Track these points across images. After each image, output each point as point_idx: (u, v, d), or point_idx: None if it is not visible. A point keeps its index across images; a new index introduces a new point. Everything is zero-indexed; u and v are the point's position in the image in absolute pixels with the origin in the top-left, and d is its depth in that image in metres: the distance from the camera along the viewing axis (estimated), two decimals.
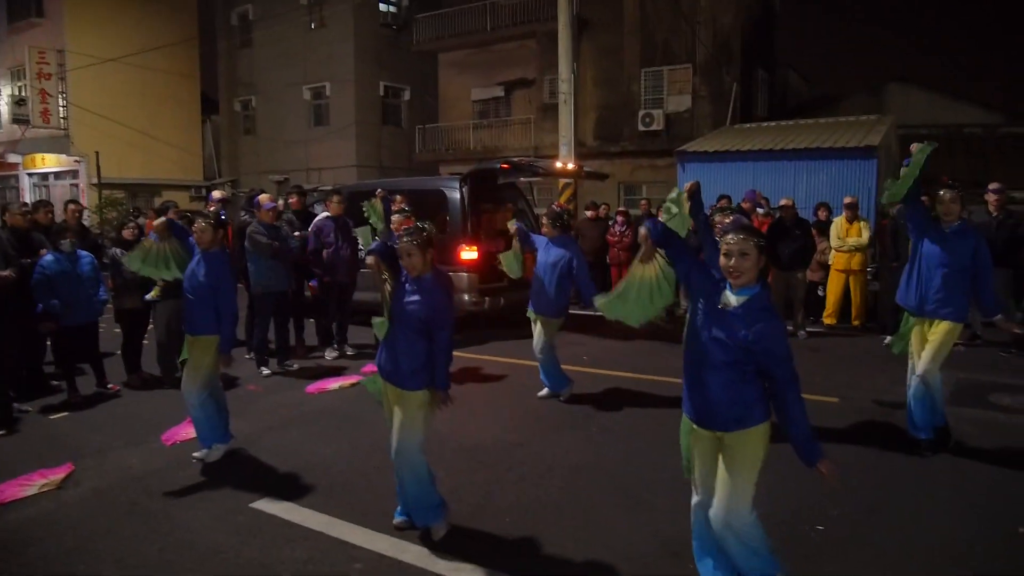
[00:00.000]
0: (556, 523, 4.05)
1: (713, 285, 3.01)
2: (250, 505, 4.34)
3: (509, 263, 6.79)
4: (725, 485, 2.98)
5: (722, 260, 2.93)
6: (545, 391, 6.59)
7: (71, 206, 7.78)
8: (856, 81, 68.16)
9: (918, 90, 20.63)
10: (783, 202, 9.70)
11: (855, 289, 9.79)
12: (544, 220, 6.64)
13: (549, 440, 5.45)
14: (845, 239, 9.63)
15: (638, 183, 19.04)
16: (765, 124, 16.58)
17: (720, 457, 3.02)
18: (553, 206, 6.87)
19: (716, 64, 18.01)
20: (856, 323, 9.80)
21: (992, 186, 8.35)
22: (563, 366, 6.62)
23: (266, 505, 4.33)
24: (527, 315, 6.66)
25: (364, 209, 6.24)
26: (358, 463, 5.02)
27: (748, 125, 16.70)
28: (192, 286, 5.08)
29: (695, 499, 3.22)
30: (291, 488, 4.60)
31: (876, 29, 78.90)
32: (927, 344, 4.95)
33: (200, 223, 5.10)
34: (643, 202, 13.15)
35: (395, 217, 6.33)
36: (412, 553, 3.70)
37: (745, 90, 18.47)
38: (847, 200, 9.84)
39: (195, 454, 5.14)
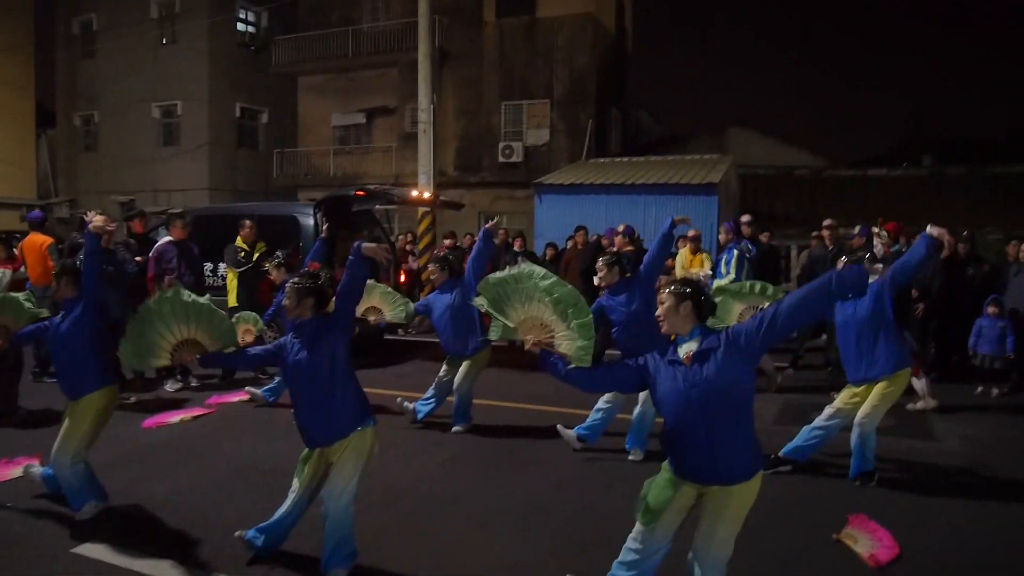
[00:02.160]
0: (401, 552, 4.03)
1: (658, 351, 3.14)
2: (71, 551, 4.03)
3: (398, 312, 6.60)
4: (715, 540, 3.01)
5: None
6: (459, 427, 6.45)
7: None
8: (702, 123, 73.08)
9: (756, 134, 22.34)
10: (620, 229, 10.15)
11: None
12: (431, 267, 6.62)
13: (398, 468, 5.40)
14: (688, 269, 10.21)
15: (497, 212, 19.38)
16: (618, 160, 17.40)
17: (708, 511, 3.04)
18: (437, 252, 6.78)
19: (573, 101, 18.75)
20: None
21: (826, 222, 9.20)
22: (412, 394, 6.62)
23: (89, 549, 4.03)
24: (447, 362, 6.57)
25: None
26: (196, 500, 4.77)
27: (602, 160, 17.47)
28: (62, 346, 4.45)
29: (638, 548, 3.13)
30: (120, 530, 4.30)
31: (719, 76, 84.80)
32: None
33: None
34: (502, 231, 13.37)
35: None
36: None
37: (600, 127, 19.31)
38: (691, 233, 10.44)
39: (85, 508, 4.46)
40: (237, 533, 3.84)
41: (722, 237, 8.47)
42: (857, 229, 9.00)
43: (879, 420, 5.06)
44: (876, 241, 6.98)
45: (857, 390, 5.08)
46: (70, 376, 4.46)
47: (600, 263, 5.65)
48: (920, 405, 7.13)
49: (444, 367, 6.59)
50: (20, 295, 5.01)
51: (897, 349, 5.01)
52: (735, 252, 8.25)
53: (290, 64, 22.19)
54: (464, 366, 6.39)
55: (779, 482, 4.99)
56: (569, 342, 3.27)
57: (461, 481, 5.19)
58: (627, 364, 3.22)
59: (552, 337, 3.31)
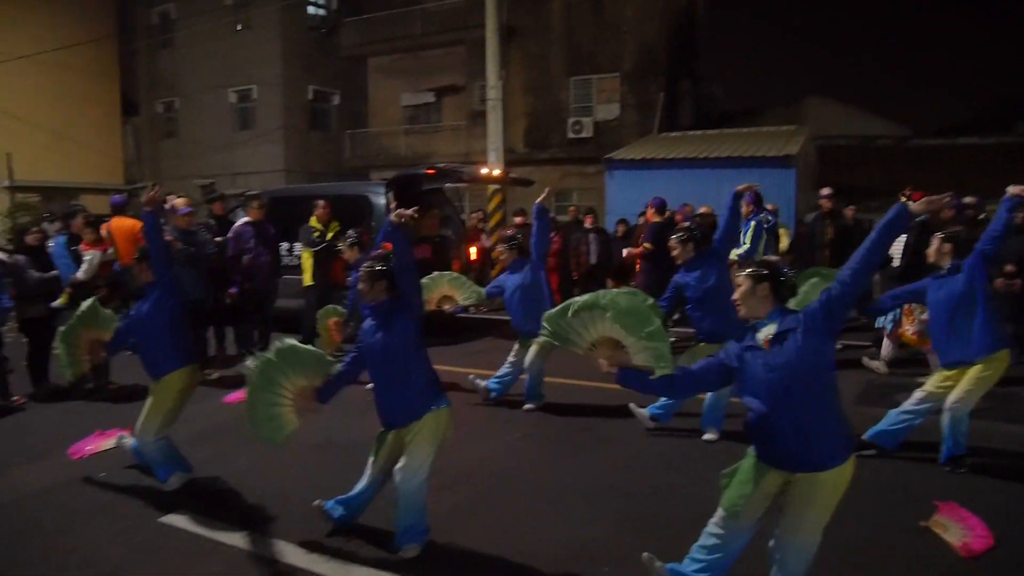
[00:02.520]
0: (475, 530, 4.05)
1: (735, 339, 3.06)
2: (157, 520, 4.20)
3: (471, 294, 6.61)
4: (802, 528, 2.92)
5: None
6: (530, 405, 6.46)
7: None
8: (777, 93, 70.69)
9: (834, 103, 21.50)
10: (702, 210, 9.94)
11: None
12: (499, 248, 6.60)
13: (469, 447, 5.43)
14: None
15: (567, 189, 19.23)
16: (690, 133, 17.00)
17: (795, 498, 2.93)
18: (504, 232, 6.77)
19: (642, 74, 18.37)
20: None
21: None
22: (484, 371, 6.62)
23: (174, 520, 4.20)
24: (519, 342, 6.54)
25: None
26: (273, 474, 4.91)
27: (674, 134, 17.09)
28: (143, 328, 4.62)
29: (720, 533, 3.05)
30: (202, 501, 4.46)
31: (795, 44, 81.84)
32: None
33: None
34: (571, 208, 13.27)
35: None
36: (327, 565, 3.64)
37: (671, 100, 18.88)
38: (768, 207, 10.13)
39: (171, 480, 4.68)
40: (316, 502, 3.92)
41: (744, 209, 8.32)
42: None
43: (973, 405, 4.79)
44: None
45: (950, 373, 4.79)
46: (151, 356, 4.62)
47: (673, 240, 5.51)
48: (874, 364, 7.09)
49: (516, 347, 6.58)
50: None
51: (994, 328, 4.69)
52: (752, 223, 8.06)
53: (359, 46, 22.43)
54: (535, 345, 6.37)
55: (862, 466, 4.75)
56: (644, 353, 3.15)
57: (532, 459, 5.19)
58: (707, 363, 3.14)
59: (626, 351, 3.20)
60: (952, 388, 4.73)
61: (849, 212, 9.72)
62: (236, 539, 3.93)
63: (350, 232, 7.14)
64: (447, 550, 3.81)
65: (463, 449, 5.36)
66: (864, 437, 5.02)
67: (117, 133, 26.04)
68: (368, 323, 3.85)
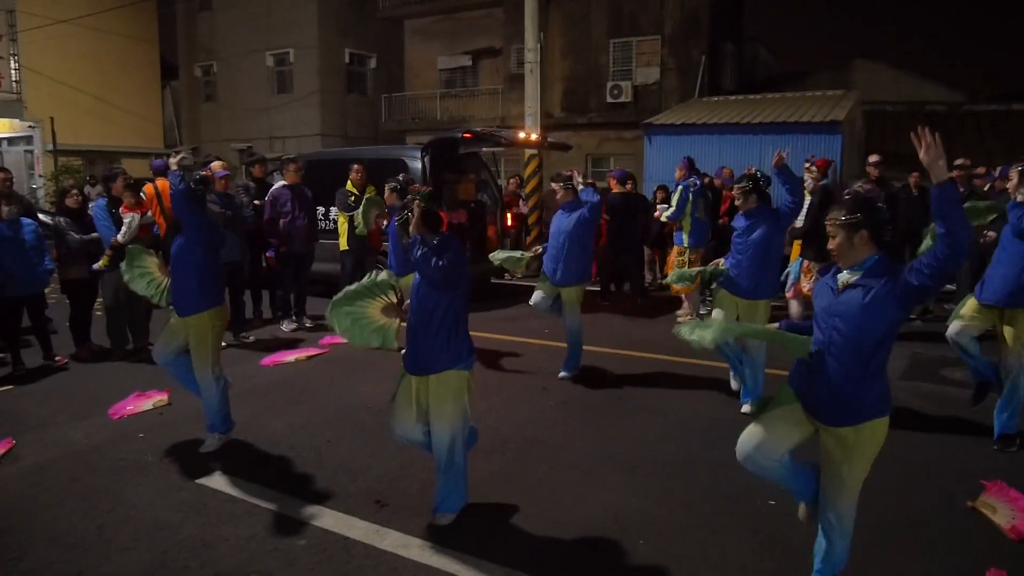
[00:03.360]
0: (507, 497, 4.01)
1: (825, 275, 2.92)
2: (196, 481, 4.24)
3: (513, 262, 6.41)
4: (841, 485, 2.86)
5: None
6: (565, 374, 6.35)
7: (0, 174, 7.40)
8: (823, 57, 68.66)
9: (884, 66, 20.74)
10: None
11: None
12: (555, 187, 6.31)
13: (504, 414, 5.40)
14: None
15: (605, 155, 18.95)
16: (732, 98, 16.54)
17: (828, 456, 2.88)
18: (562, 171, 6.54)
19: (684, 36, 17.90)
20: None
21: (957, 162, 8.45)
22: (523, 339, 6.55)
23: (212, 481, 4.23)
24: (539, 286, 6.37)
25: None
26: (310, 437, 4.93)
27: (716, 98, 16.66)
28: (173, 269, 4.70)
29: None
30: (239, 463, 4.49)
31: (843, 5, 79.27)
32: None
33: None
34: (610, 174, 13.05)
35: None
36: (358, 529, 3.64)
37: (713, 63, 18.39)
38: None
39: (209, 441, 4.74)
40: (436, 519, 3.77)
41: (677, 173, 8.47)
42: (998, 171, 8.24)
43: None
44: (806, 176, 7.01)
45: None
46: (176, 294, 4.68)
47: (736, 190, 5.41)
48: (681, 313, 7.11)
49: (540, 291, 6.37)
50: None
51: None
52: (679, 187, 8.21)
53: (395, 7, 22.18)
54: (567, 305, 6.23)
55: (903, 441, 4.67)
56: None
57: (568, 428, 5.13)
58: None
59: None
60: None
61: (913, 179, 9.36)
62: (272, 502, 3.94)
63: (398, 177, 6.89)
64: (481, 516, 3.78)
65: (499, 416, 5.33)
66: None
67: (156, 97, 26.27)
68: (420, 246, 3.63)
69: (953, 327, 4.90)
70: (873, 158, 8.78)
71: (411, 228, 3.65)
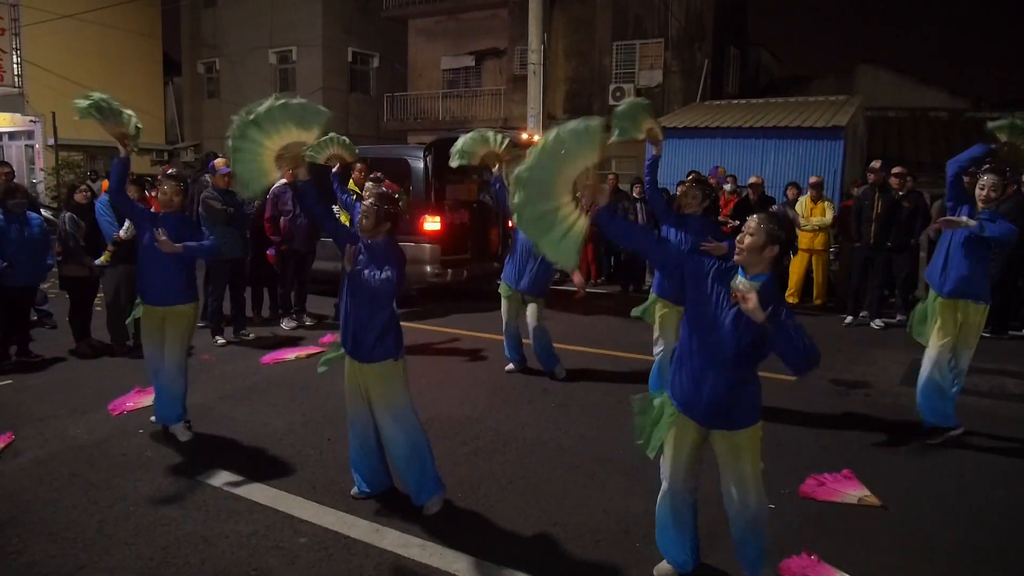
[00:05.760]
0: (507, 498, 4.01)
1: (712, 269, 2.91)
2: (196, 477, 4.23)
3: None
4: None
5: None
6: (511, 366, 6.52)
7: (1, 168, 7.38)
8: (826, 62, 68.68)
9: (887, 72, 20.77)
10: (752, 180, 9.72)
11: (817, 269, 9.84)
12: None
13: (505, 414, 5.40)
14: (809, 218, 9.65)
15: (607, 157, 18.94)
16: (735, 101, 16.55)
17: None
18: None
19: (688, 39, 17.92)
20: (817, 302, 9.87)
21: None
22: (524, 341, 6.54)
23: (213, 478, 4.23)
24: (501, 291, 6.46)
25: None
26: (310, 435, 4.92)
27: (718, 102, 16.67)
28: (156, 254, 4.71)
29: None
30: (240, 460, 4.49)
31: (847, 11, 79.38)
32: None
33: (171, 185, 4.85)
34: (611, 176, 13.04)
35: (368, 184, 6.32)
36: (359, 528, 3.63)
37: (716, 67, 18.41)
38: (813, 180, 9.86)
39: (176, 429, 4.84)
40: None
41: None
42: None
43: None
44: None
45: None
46: (163, 287, 4.80)
47: (685, 186, 5.32)
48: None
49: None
50: None
51: None
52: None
53: (400, 7, 22.19)
54: (533, 312, 6.29)
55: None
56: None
57: (569, 429, 5.13)
58: (651, 232, 3.10)
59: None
60: None
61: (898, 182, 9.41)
62: (273, 500, 3.94)
63: (377, 174, 6.88)
64: (480, 517, 3.78)
65: (499, 416, 5.33)
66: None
67: (159, 93, 26.22)
68: (361, 249, 3.77)
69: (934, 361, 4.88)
70: (875, 164, 8.80)
71: (364, 230, 3.75)
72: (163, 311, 4.79)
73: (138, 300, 4.92)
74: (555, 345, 6.42)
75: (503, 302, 6.39)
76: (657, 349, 5.47)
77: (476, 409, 5.51)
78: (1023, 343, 7.99)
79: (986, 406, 5.73)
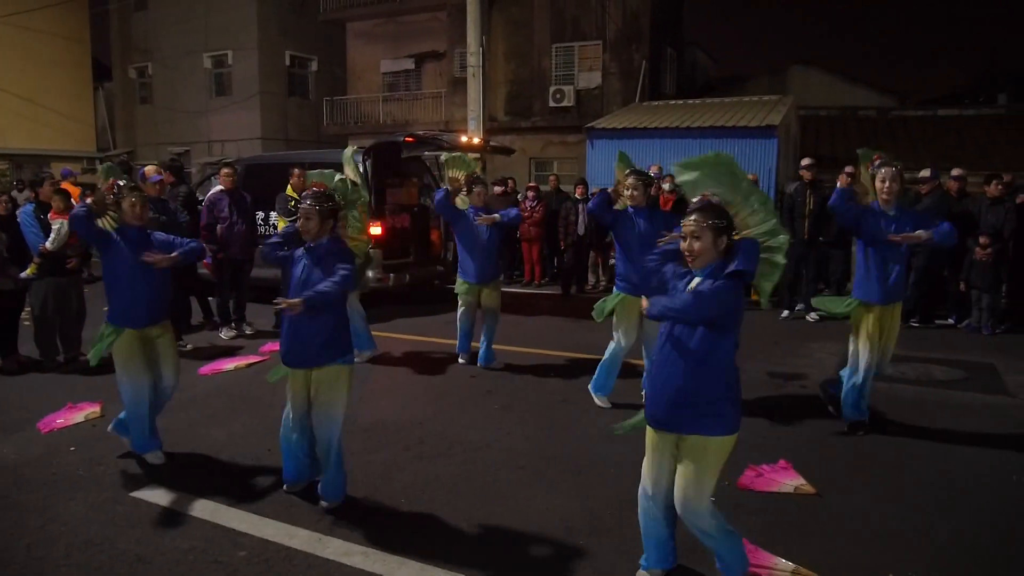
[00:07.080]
0: (454, 501, 4.00)
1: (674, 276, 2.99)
2: (131, 494, 4.11)
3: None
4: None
5: (681, 243, 2.87)
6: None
7: None
8: (761, 62, 70.42)
9: (818, 72, 21.40)
10: None
11: None
12: (477, 189, 6.60)
13: (450, 417, 5.39)
14: None
15: (549, 159, 19.07)
16: (673, 102, 16.85)
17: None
18: (472, 174, 6.73)
19: (626, 41, 18.15)
20: (754, 298, 10.05)
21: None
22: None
23: (148, 494, 4.11)
24: (457, 291, 6.62)
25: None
26: (250, 447, 4.83)
27: (656, 103, 16.94)
28: (137, 273, 4.41)
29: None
30: (177, 475, 4.38)
31: (781, 12, 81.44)
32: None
33: (136, 196, 4.48)
34: (552, 177, 13.13)
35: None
36: (300, 538, 3.58)
37: (654, 68, 18.69)
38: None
39: (155, 457, 4.59)
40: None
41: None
42: (928, 173, 8.57)
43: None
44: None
45: None
46: (150, 305, 4.60)
47: (631, 180, 5.30)
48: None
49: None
50: None
51: None
52: None
53: (338, 10, 21.96)
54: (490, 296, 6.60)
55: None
56: None
57: (514, 430, 5.14)
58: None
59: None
60: None
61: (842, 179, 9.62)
62: (210, 513, 3.85)
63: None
64: (425, 521, 3.77)
65: (443, 420, 5.32)
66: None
67: (88, 99, 25.42)
68: (303, 255, 3.79)
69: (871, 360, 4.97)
70: (806, 161, 9.05)
71: (306, 233, 3.75)
72: (158, 330, 4.58)
73: (109, 328, 4.51)
74: (497, 347, 6.46)
75: (461, 299, 6.60)
76: (612, 345, 5.57)
77: (421, 413, 5.49)
78: (947, 332, 8.31)
79: (914, 393, 5.95)
